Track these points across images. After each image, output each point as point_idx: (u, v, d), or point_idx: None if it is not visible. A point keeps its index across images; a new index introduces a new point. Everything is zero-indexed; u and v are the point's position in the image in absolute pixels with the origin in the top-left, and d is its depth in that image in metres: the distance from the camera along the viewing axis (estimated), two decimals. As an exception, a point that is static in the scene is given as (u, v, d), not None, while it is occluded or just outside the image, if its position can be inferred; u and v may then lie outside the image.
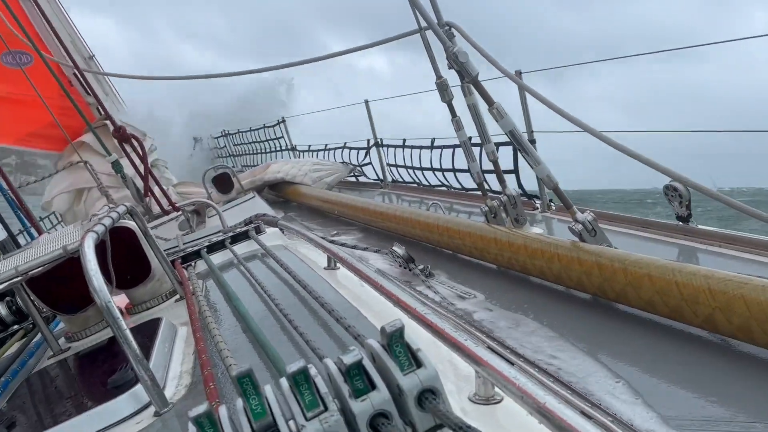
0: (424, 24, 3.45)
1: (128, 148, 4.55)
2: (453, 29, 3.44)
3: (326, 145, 10.46)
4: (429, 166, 6.66)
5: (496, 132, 3.47)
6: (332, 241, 3.49)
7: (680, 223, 3.18)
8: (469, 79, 3.12)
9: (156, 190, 5.30)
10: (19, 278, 1.94)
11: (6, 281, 1.92)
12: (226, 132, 15.87)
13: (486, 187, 4.19)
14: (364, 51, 4.64)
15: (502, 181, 3.74)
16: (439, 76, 3.70)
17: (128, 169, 5.11)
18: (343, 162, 9.08)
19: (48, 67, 4.41)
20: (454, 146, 6.03)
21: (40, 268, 1.99)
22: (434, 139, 6.50)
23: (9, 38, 5.22)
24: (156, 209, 5.67)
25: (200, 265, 3.27)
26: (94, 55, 9.36)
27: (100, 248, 1.89)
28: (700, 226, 3.12)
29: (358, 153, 8.79)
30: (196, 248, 3.42)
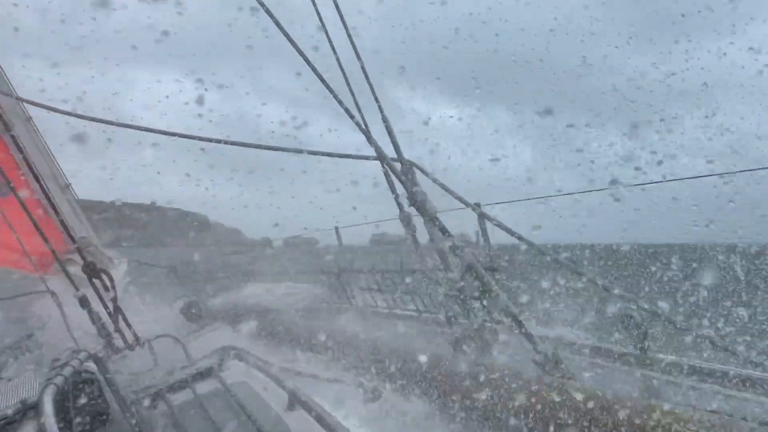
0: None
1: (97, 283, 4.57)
2: (414, 168, 3.67)
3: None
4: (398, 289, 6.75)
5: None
6: (299, 373, 3.48)
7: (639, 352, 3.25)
8: (427, 216, 3.28)
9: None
10: (-28, 437, 1.90)
11: None
12: None
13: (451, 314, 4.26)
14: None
15: (467, 310, 3.82)
16: (402, 210, 3.89)
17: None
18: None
19: (19, 201, 4.51)
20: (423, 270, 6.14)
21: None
22: (402, 262, 6.62)
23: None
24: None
25: (161, 405, 3.19)
26: (70, 184, 9.52)
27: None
28: (659, 355, 3.18)
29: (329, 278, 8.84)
30: (158, 388, 3.35)
